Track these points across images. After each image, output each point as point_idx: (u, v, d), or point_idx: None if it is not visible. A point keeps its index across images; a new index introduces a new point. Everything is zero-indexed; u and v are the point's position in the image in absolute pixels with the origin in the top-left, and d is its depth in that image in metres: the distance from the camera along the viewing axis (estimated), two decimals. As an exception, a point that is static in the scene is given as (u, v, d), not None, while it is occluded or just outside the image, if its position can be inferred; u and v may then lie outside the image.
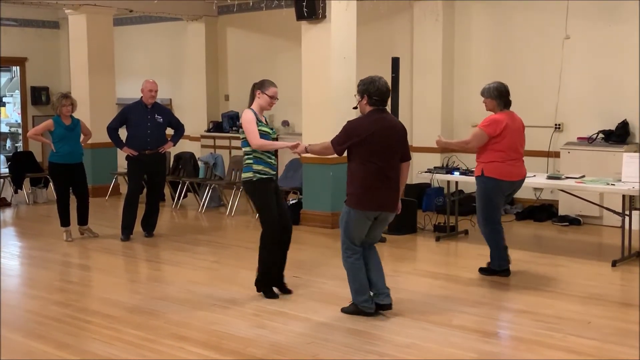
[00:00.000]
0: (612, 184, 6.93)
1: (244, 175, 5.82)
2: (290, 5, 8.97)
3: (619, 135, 8.75)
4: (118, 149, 8.55)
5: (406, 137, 5.36)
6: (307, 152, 5.67)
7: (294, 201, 9.27)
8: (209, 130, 12.64)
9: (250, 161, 5.74)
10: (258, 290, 5.92)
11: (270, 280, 5.90)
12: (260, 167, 5.71)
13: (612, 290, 6.24)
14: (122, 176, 10.51)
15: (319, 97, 8.64)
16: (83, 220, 8.30)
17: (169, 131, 8.46)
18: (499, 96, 6.34)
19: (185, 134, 9.24)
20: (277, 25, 11.74)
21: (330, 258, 7.26)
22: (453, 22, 10.26)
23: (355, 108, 5.32)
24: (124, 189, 9.03)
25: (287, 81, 11.59)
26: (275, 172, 5.84)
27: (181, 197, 10.57)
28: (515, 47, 9.75)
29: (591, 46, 9.12)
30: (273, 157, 5.82)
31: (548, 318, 5.34)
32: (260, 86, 5.74)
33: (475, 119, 10.04)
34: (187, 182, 10.57)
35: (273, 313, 5.49)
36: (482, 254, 6.96)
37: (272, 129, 5.83)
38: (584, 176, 7.35)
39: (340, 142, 5.24)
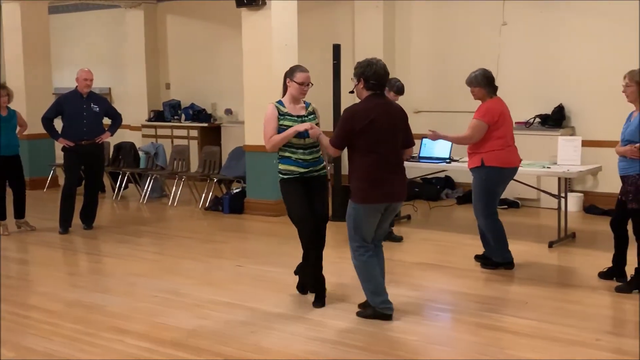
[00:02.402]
0: (548, 167, 7.09)
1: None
2: (230, -8, 8.88)
3: (555, 120, 8.96)
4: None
5: (407, 121, 4.99)
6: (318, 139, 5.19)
7: (237, 190, 9.22)
8: (150, 120, 12.46)
9: (278, 160, 5.33)
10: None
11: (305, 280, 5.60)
12: (284, 167, 5.27)
13: (549, 270, 6.39)
14: (61, 168, 10.27)
15: (260, 84, 8.58)
16: (20, 213, 8.14)
17: (107, 121, 8.31)
18: (488, 84, 6.16)
19: (126, 123, 9.09)
20: (218, 12, 11.62)
21: (275, 246, 7.27)
22: (394, 9, 10.33)
23: (351, 92, 5.06)
24: (62, 180, 8.83)
25: (229, 69, 11.56)
26: (305, 170, 5.26)
27: (122, 188, 10.40)
28: (454, 34, 9.88)
29: (527, 32, 9.31)
30: (306, 152, 5.24)
31: (485, 299, 5.46)
32: (290, 74, 5.29)
33: (416, 106, 10.18)
34: (128, 172, 10.41)
35: (216, 303, 5.47)
36: (424, 239, 7.06)
37: (303, 120, 5.25)
38: (521, 160, 7.48)
39: (338, 140, 4.87)
